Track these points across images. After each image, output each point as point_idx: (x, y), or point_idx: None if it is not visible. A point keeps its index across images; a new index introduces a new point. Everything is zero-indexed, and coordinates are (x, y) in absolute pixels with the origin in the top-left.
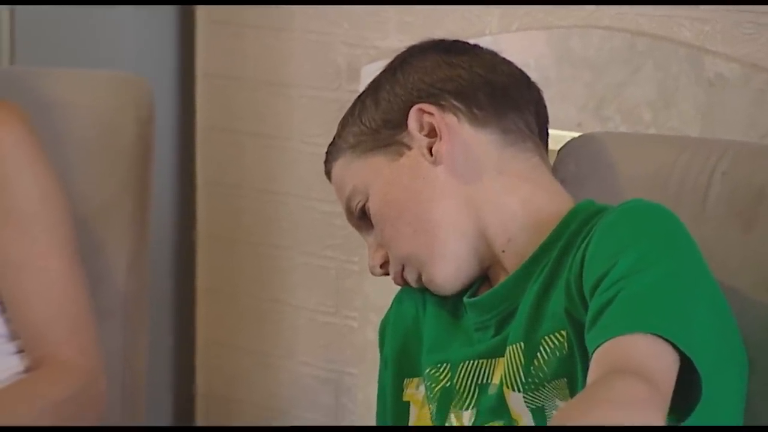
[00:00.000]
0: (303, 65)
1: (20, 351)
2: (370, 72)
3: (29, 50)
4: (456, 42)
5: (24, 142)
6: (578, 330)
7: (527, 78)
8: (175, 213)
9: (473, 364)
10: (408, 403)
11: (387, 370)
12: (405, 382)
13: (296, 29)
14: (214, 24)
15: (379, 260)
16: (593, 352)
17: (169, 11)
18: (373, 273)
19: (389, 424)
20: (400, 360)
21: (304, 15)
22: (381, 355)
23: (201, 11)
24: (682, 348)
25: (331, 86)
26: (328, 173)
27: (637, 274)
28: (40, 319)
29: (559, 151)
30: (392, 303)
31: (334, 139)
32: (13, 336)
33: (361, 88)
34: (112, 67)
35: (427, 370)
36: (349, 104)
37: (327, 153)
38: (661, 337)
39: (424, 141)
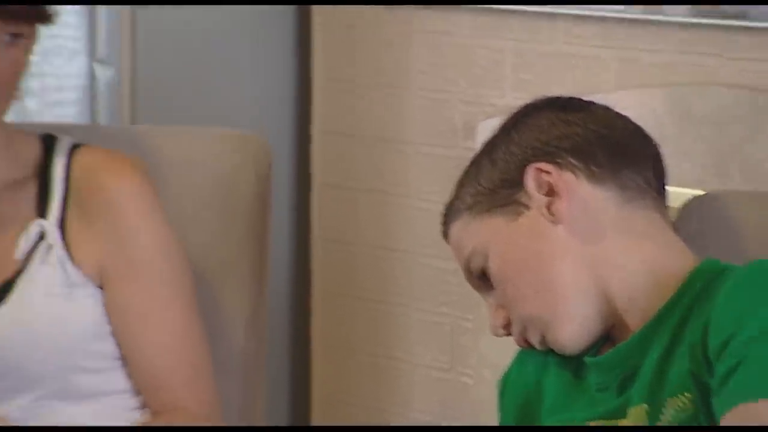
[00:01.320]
0: (419, 122)
1: (143, 407)
2: (486, 129)
3: (149, 109)
4: (570, 99)
5: (144, 194)
6: (703, 392)
7: (644, 133)
8: (291, 269)
9: (596, 425)
10: None
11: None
12: None
13: (412, 87)
14: (330, 81)
15: (501, 321)
16: (721, 416)
17: (286, 69)
18: (495, 334)
19: None
20: (520, 420)
21: (420, 73)
22: (500, 413)
23: (318, 69)
24: None
25: (447, 143)
26: (445, 234)
27: (764, 337)
28: (160, 369)
29: (680, 208)
30: (513, 361)
31: (450, 200)
32: (135, 392)
33: (477, 145)
34: (230, 124)
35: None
36: (465, 161)
37: (444, 214)
38: None
39: (543, 200)
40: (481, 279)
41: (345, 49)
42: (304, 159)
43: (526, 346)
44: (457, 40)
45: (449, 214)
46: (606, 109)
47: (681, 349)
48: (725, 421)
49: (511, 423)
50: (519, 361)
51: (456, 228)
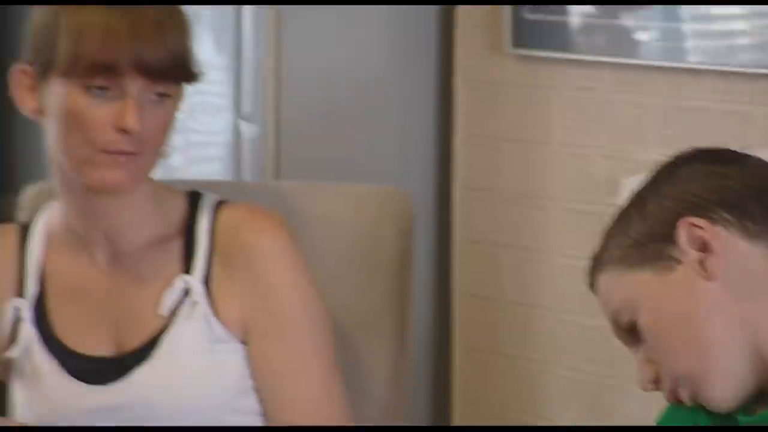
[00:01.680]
0: (561, 178)
1: None
2: (630, 185)
3: (293, 165)
4: (722, 150)
5: (287, 251)
6: None
7: None
8: (432, 325)
9: None
10: None
11: None
12: None
13: (554, 142)
14: (472, 137)
15: (649, 376)
16: None
17: (428, 124)
18: (643, 388)
19: None
20: None
21: (562, 128)
22: None
23: (460, 124)
24: None
25: (589, 199)
26: (591, 285)
27: None
28: (301, 423)
29: None
30: (660, 419)
31: (598, 251)
32: None
33: (620, 201)
34: (372, 180)
35: None
36: (608, 218)
37: (591, 266)
38: None
39: (696, 256)
40: (630, 333)
41: (487, 104)
42: (446, 214)
43: (676, 401)
44: (599, 96)
45: (596, 266)
46: (760, 161)
47: None
48: None
49: None
50: (666, 419)
51: (604, 280)
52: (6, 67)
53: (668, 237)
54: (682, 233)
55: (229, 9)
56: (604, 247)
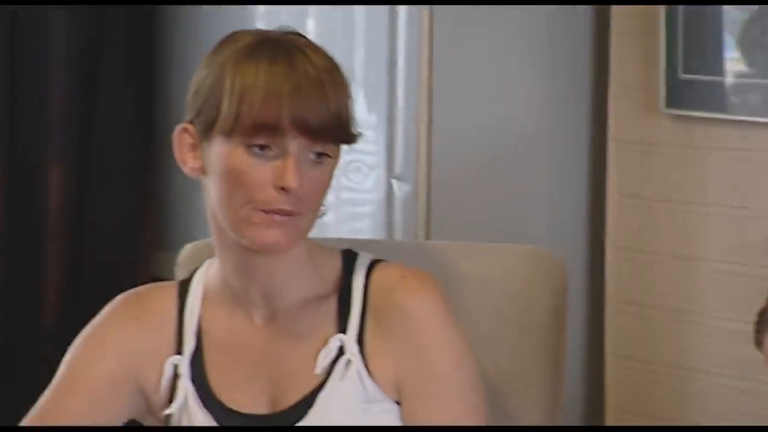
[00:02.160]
0: (716, 239)
1: None
2: None
3: (444, 224)
4: None
5: (440, 312)
6: None
7: None
8: (584, 387)
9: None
10: None
11: None
12: None
13: (709, 203)
14: (624, 197)
15: None
16: None
17: (580, 184)
18: None
19: None
20: None
21: (717, 188)
22: None
23: (612, 185)
24: None
25: (745, 261)
26: (758, 342)
27: None
28: None
29: None
30: None
31: (764, 308)
32: None
33: None
34: (523, 239)
35: None
36: (765, 281)
37: (757, 322)
38: None
39: None
40: None
41: (640, 164)
42: (598, 275)
43: None
44: (755, 156)
45: (763, 322)
46: None
47: None
48: None
49: None
50: None
51: None
52: (162, 126)
53: None
54: None
55: (382, 68)
56: None
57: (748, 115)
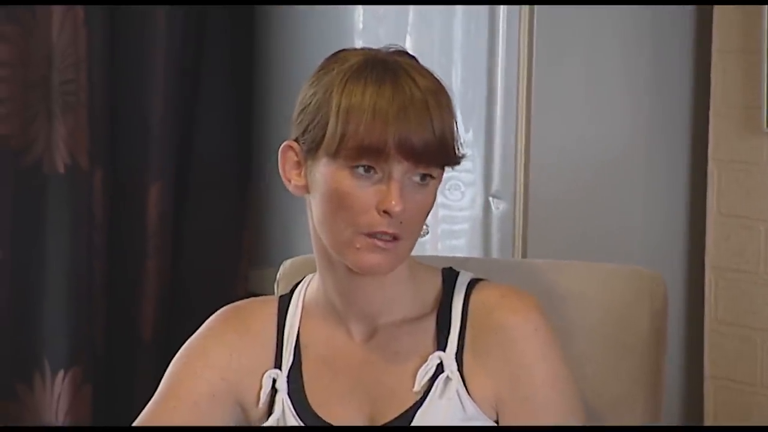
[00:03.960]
0: None
1: None
2: None
3: (540, 243)
4: None
5: (540, 332)
6: None
7: None
8: (683, 408)
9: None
10: None
11: None
12: None
13: None
14: (723, 217)
15: None
16: None
17: (679, 203)
18: None
19: None
20: None
21: None
22: None
23: (712, 204)
24: None
25: None
26: None
27: None
28: None
29: None
30: None
31: None
32: None
33: None
34: (620, 258)
35: None
36: None
37: None
38: None
39: None
40: None
41: (740, 183)
42: (697, 295)
43: None
44: None
45: None
46: None
47: None
48: None
49: None
50: None
51: None
52: (262, 139)
53: None
54: None
55: (480, 84)
56: None
57: None
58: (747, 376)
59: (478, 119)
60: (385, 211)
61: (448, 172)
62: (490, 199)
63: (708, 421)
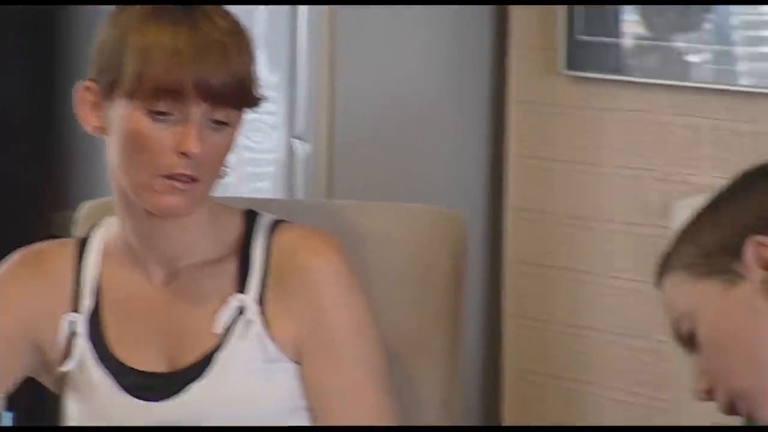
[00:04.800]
0: (613, 200)
1: None
2: (682, 208)
3: (345, 184)
4: None
5: (342, 273)
6: None
7: None
8: (483, 346)
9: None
10: None
11: None
12: None
13: (606, 164)
14: (524, 159)
15: (704, 386)
16: None
17: (480, 146)
18: (697, 399)
19: None
20: None
21: (615, 150)
22: None
23: (512, 146)
24: None
25: (641, 222)
26: (657, 284)
27: None
28: None
29: None
30: None
31: (668, 252)
32: None
33: (673, 224)
34: (423, 199)
35: None
36: (660, 240)
37: (659, 265)
38: None
39: (760, 275)
40: (689, 341)
41: (540, 126)
42: (497, 236)
43: (731, 413)
44: (653, 118)
45: (664, 266)
46: None
47: None
48: None
49: None
50: None
51: (669, 284)
52: (66, 83)
53: (736, 251)
54: (749, 251)
55: (284, 28)
56: (674, 248)
57: (645, 77)
58: (544, 313)
59: (281, 61)
60: (183, 153)
61: (252, 114)
62: (294, 141)
63: (506, 358)
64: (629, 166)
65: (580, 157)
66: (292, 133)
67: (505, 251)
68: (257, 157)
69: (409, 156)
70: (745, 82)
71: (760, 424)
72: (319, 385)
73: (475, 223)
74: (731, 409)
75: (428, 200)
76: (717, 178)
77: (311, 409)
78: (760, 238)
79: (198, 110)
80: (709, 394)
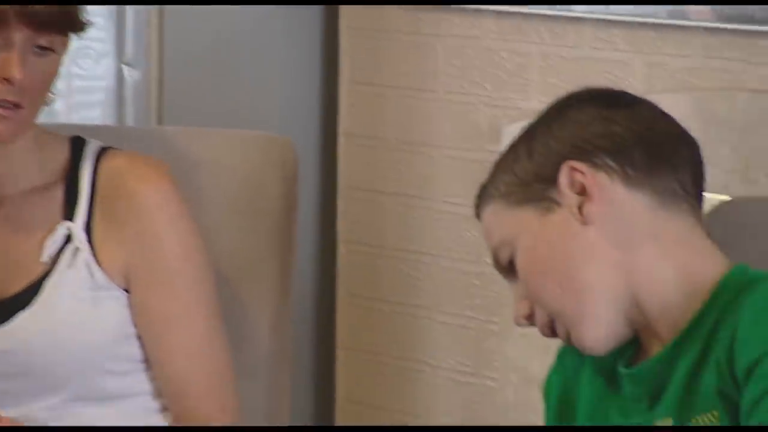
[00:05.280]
0: (444, 126)
1: (164, 409)
2: (512, 133)
3: (176, 111)
4: (616, 94)
5: (170, 199)
6: (730, 409)
7: (687, 135)
8: (316, 272)
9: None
10: None
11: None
12: None
13: (438, 90)
14: (356, 84)
15: (524, 311)
16: None
17: (313, 72)
18: (517, 324)
19: None
20: (559, 421)
21: (446, 76)
22: (545, 415)
23: (344, 72)
24: None
25: (472, 147)
26: (477, 215)
27: None
28: (182, 374)
29: (706, 215)
30: (555, 362)
31: (486, 182)
32: (157, 393)
33: (503, 148)
34: (256, 126)
35: None
36: (490, 165)
37: (478, 195)
38: None
39: (575, 199)
40: (509, 268)
41: (371, 52)
42: (330, 162)
43: (551, 335)
44: (482, 44)
45: (482, 196)
46: (651, 108)
47: (709, 365)
48: None
49: (552, 422)
50: (559, 360)
51: (488, 213)
52: None
53: (551, 179)
54: (563, 176)
55: None
56: (491, 179)
57: (475, 3)
58: (377, 239)
59: None
60: (5, 79)
61: (80, 41)
62: (124, 67)
63: (339, 283)
64: (460, 91)
65: (411, 83)
66: (121, 60)
67: (338, 177)
68: (87, 84)
69: (240, 82)
70: (573, 8)
71: (577, 345)
72: (148, 311)
73: (308, 149)
74: (551, 331)
75: (260, 128)
76: (545, 103)
77: (141, 337)
78: (574, 162)
79: (20, 36)
80: (529, 320)
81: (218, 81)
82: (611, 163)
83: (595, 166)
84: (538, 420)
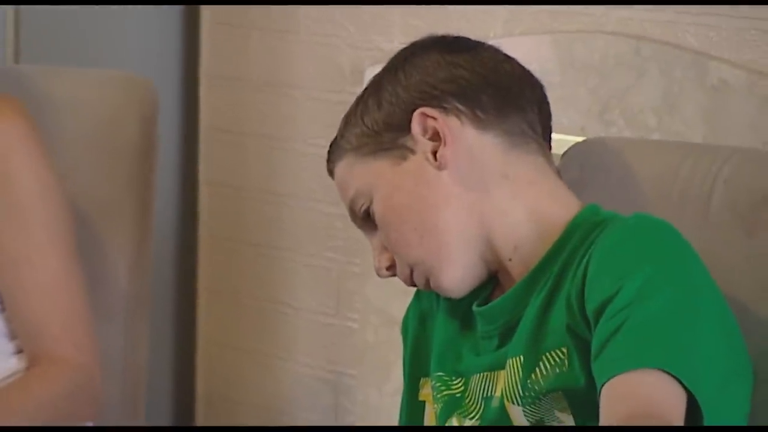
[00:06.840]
0: (307, 67)
1: (20, 351)
2: (374, 74)
3: (34, 49)
4: (458, 39)
5: (26, 137)
6: (580, 346)
7: (531, 76)
8: (177, 213)
9: (480, 377)
10: (424, 402)
11: (405, 368)
12: (420, 381)
13: (301, 31)
14: (218, 25)
15: (385, 263)
16: (601, 385)
17: (174, 12)
18: (379, 275)
19: (404, 422)
20: (414, 360)
21: (308, 17)
22: (403, 353)
23: (206, 12)
24: (688, 386)
25: (335, 88)
26: (330, 172)
27: (642, 301)
28: (37, 314)
29: (562, 155)
30: (412, 300)
31: (336, 138)
32: (13, 335)
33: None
34: (116, 67)
35: (438, 374)
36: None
37: (329, 152)
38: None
39: (428, 145)
40: (366, 220)
41: None
42: (192, 103)
43: (413, 285)
44: None
45: (334, 152)
46: (494, 51)
47: (559, 302)
48: (606, 390)
49: (408, 362)
50: (416, 297)
51: (341, 167)
52: None
53: (403, 127)
54: (416, 123)
55: None
56: (341, 134)
57: None
58: (240, 180)
59: None
60: None
61: None
62: None
63: (201, 223)
64: (322, 32)
65: (274, 25)
66: None
67: (200, 118)
68: None
69: (100, 22)
70: None
71: (436, 289)
72: (3, 251)
73: (170, 90)
74: (412, 280)
75: (120, 67)
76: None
77: None
78: (426, 109)
79: None
80: (390, 270)
81: (77, 19)
82: (460, 106)
83: (445, 110)
84: (397, 360)
